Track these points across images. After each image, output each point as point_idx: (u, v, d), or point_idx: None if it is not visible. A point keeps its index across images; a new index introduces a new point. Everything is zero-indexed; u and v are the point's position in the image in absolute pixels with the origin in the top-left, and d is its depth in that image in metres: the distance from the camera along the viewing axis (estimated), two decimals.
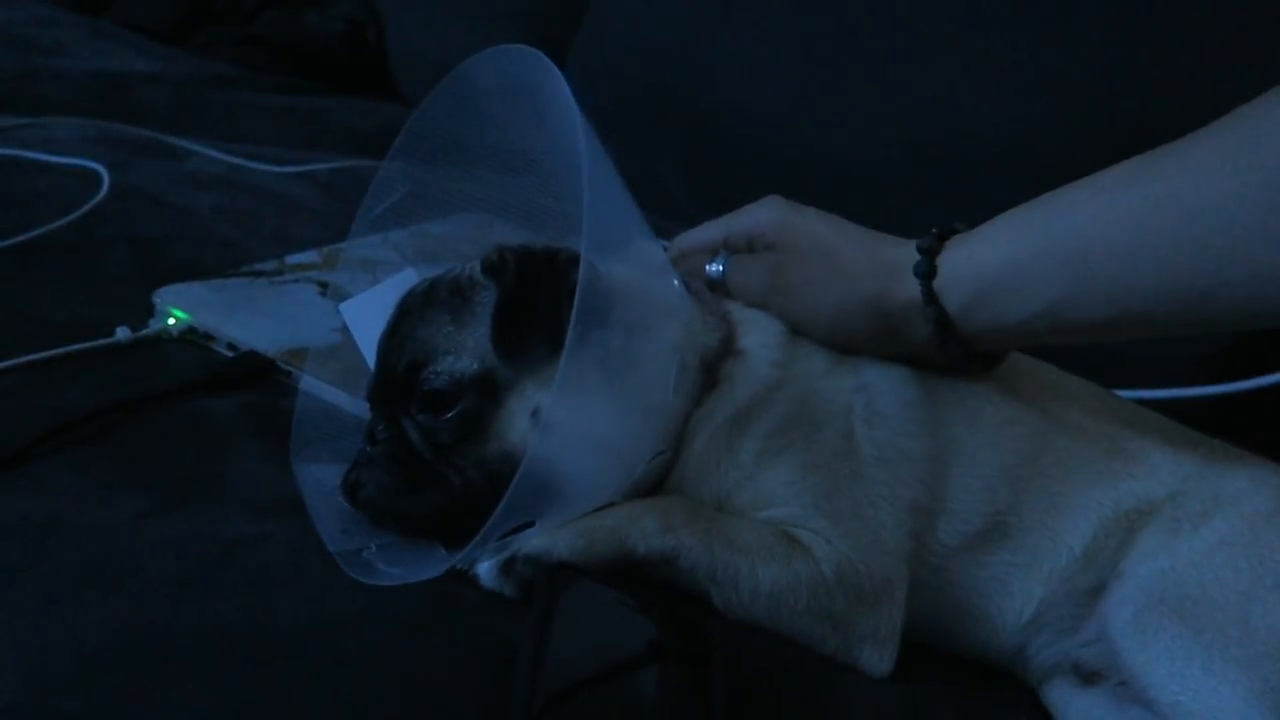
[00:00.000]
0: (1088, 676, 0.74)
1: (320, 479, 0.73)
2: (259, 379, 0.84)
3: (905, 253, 0.73)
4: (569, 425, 0.64)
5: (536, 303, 0.66)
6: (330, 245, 1.08)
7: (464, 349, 0.67)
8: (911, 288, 0.72)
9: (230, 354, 0.88)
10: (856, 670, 0.68)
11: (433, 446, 0.67)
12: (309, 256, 1.06)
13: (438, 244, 0.90)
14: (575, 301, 0.58)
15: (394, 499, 0.69)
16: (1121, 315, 0.68)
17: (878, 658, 0.68)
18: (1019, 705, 0.73)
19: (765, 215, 0.78)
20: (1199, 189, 0.64)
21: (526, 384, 0.67)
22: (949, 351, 0.73)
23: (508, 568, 0.65)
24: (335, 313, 0.93)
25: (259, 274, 1.00)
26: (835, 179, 1.19)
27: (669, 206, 1.31)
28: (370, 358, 0.75)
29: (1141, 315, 0.68)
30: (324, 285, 0.99)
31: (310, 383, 0.82)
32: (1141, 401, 0.89)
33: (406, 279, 0.80)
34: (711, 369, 0.72)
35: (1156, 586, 0.70)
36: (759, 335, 0.74)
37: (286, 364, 0.86)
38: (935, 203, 0.80)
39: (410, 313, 0.71)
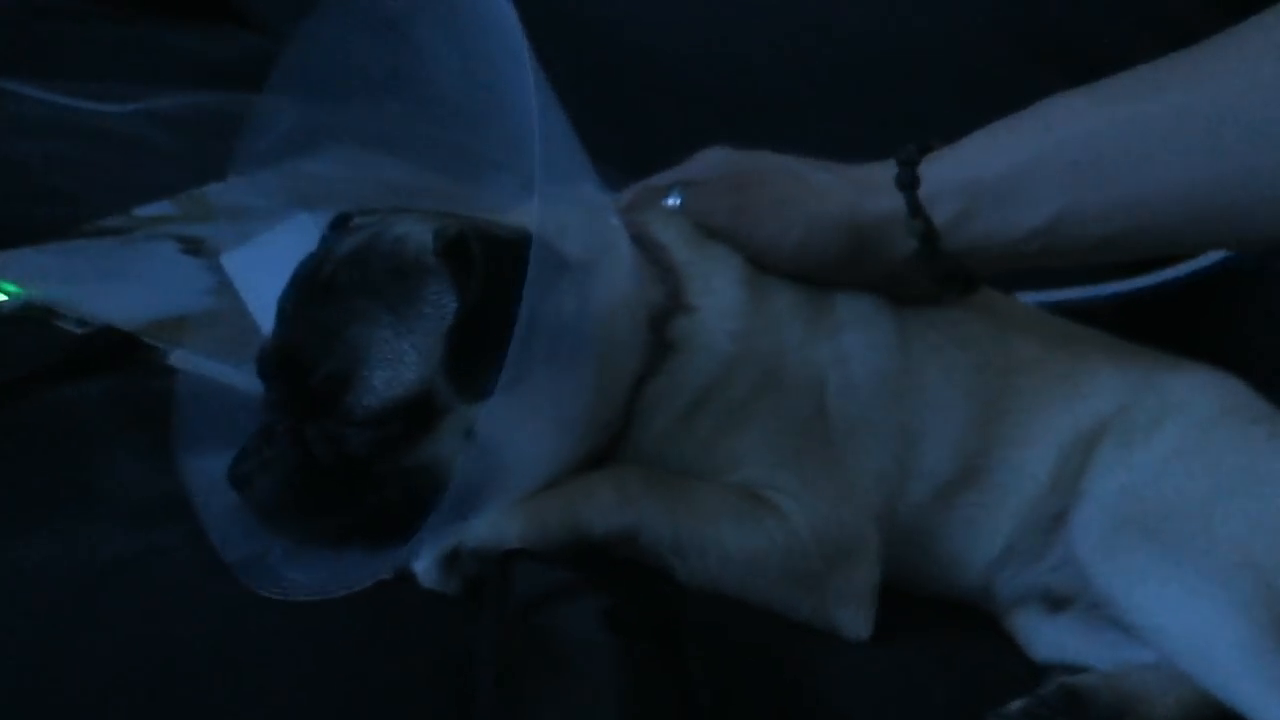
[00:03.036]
0: (1055, 603, 0.72)
1: (211, 473, 0.62)
2: (122, 359, 0.72)
3: (880, 168, 0.68)
4: (510, 417, 0.56)
5: (503, 322, 0.55)
6: (189, 192, 0.95)
7: (403, 362, 0.57)
8: (890, 201, 0.67)
9: (82, 331, 0.76)
10: (835, 635, 0.65)
11: (343, 458, 0.58)
12: (162, 208, 0.93)
13: (314, 186, 0.80)
14: (519, 317, 0.49)
15: (295, 516, 0.59)
16: (1131, 229, 0.65)
17: (857, 619, 0.65)
18: (1017, 675, 0.69)
19: (718, 156, 0.73)
20: (1228, 99, 0.62)
21: (468, 404, 0.58)
22: (932, 272, 0.69)
23: (450, 563, 0.56)
24: (204, 272, 0.81)
25: (105, 232, 0.87)
26: (763, 106, 1.10)
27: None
28: (263, 319, 0.68)
29: (1152, 229, 0.65)
30: (186, 241, 0.87)
31: (186, 358, 0.72)
32: (1048, 306, 0.86)
33: (300, 226, 0.71)
34: (659, 328, 0.64)
35: (1118, 504, 0.69)
36: (715, 295, 0.66)
37: (153, 337, 0.74)
38: (875, 124, 0.75)
39: (335, 290, 0.59)
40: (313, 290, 0.60)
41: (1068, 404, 0.72)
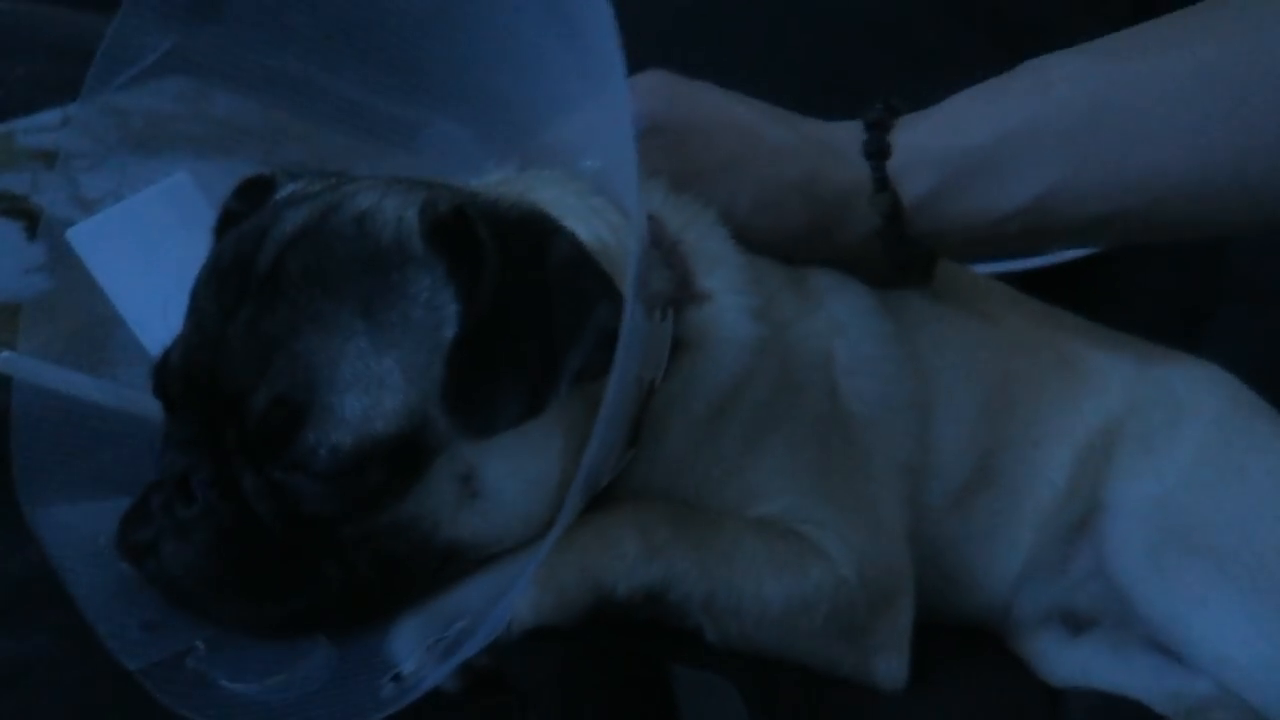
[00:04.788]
0: (1077, 624, 0.67)
1: (80, 530, 0.47)
2: None
3: (844, 130, 0.61)
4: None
5: (521, 336, 0.43)
6: None
7: (385, 386, 0.43)
8: (855, 170, 0.60)
9: None
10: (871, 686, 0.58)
11: (295, 519, 0.44)
12: None
13: (142, 124, 0.66)
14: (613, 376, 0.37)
15: (227, 600, 0.44)
16: (1130, 209, 0.59)
17: (896, 666, 0.58)
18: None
19: (653, 87, 0.61)
20: (1265, 56, 0.56)
21: (466, 440, 0.44)
22: (894, 254, 0.62)
23: (447, 656, 0.42)
24: (25, 243, 0.66)
25: None
26: (690, 63, 0.99)
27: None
28: (128, 311, 0.54)
29: (1153, 209, 0.59)
30: None
31: (20, 362, 0.54)
32: None
33: (175, 190, 0.56)
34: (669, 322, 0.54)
35: (1154, 516, 0.65)
36: (723, 271, 0.56)
37: None
38: (807, 83, 0.68)
39: (279, 285, 0.44)
40: (246, 283, 0.44)
41: (1073, 399, 0.67)
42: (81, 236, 0.54)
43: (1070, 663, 0.66)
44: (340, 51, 0.58)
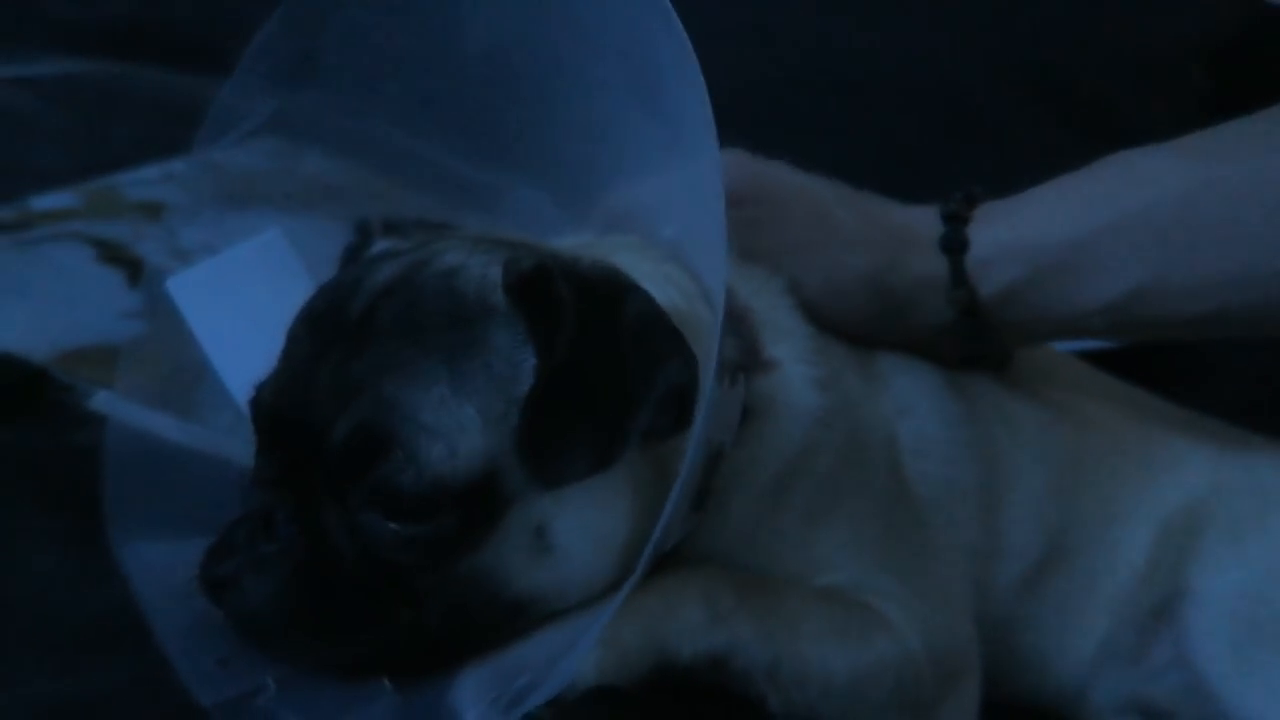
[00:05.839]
0: (1156, 718, 0.65)
1: (164, 567, 0.48)
2: (24, 404, 0.60)
3: (921, 219, 0.61)
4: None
5: (595, 390, 0.45)
6: (94, 182, 0.81)
7: (464, 431, 0.45)
8: (931, 263, 0.60)
9: None
10: None
11: (371, 559, 0.46)
12: (65, 200, 0.80)
13: (237, 180, 0.69)
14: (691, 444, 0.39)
15: (301, 635, 0.46)
16: (1223, 308, 0.59)
17: None
18: None
19: (725, 166, 0.62)
20: None
21: (539, 493, 0.46)
22: (967, 345, 0.62)
23: (509, 710, 0.43)
24: (123, 288, 0.70)
25: None
26: (746, 130, 1.02)
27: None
28: (217, 358, 0.56)
29: (1248, 309, 0.59)
30: (100, 246, 0.73)
31: (117, 403, 0.58)
32: None
33: (269, 246, 0.58)
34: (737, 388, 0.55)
35: (1243, 608, 0.63)
36: (790, 339, 0.57)
37: (67, 374, 0.62)
38: (860, 151, 0.68)
39: (369, 333, 0.47)
40: (338, 329, 0.47)
41: (1154, 478, 0.66)
42: (179, 286, 0.57)
43: None
44: (428, 118, 0.61)
